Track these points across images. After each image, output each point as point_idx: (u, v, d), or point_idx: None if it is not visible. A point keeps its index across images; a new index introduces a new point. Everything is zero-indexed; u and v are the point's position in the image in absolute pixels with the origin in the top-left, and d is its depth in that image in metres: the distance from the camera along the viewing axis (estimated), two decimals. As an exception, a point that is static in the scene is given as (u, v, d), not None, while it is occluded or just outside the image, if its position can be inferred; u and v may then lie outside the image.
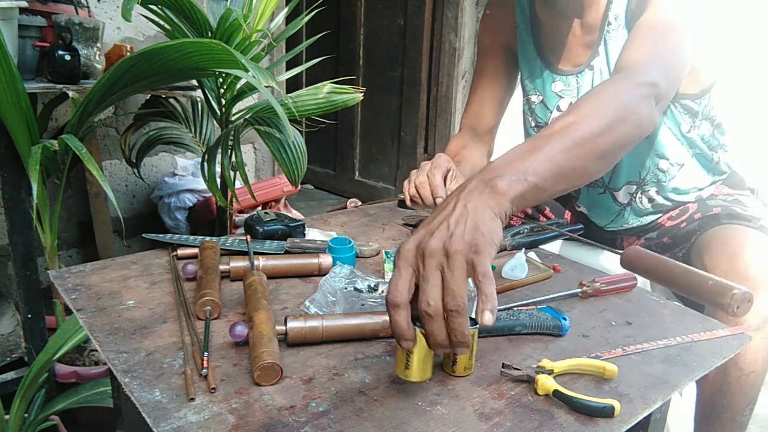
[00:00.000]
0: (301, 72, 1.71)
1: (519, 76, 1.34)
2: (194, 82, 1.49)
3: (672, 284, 0.76)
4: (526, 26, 1.27)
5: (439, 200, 0.99)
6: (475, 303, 0.79)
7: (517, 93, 1.41)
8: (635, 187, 1.23)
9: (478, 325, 0.69)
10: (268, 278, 0.87)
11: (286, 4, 1.53)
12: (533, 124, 1.31)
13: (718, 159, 1.23)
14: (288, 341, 0.72)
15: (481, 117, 1.36)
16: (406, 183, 1.05)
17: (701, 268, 1.02)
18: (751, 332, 0.85)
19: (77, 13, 1.54)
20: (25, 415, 1.20)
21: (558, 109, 1.24)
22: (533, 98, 1.28)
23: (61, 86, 1.33)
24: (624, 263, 0.75)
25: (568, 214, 1.39)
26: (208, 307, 0.77)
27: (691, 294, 0.75)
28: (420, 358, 0.61)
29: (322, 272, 0.92)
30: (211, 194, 1.52)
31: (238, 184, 1.96)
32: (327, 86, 1.47)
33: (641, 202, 1.25)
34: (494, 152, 1.40)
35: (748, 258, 0.97)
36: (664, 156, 1.18)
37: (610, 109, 0.77)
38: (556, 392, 0.65)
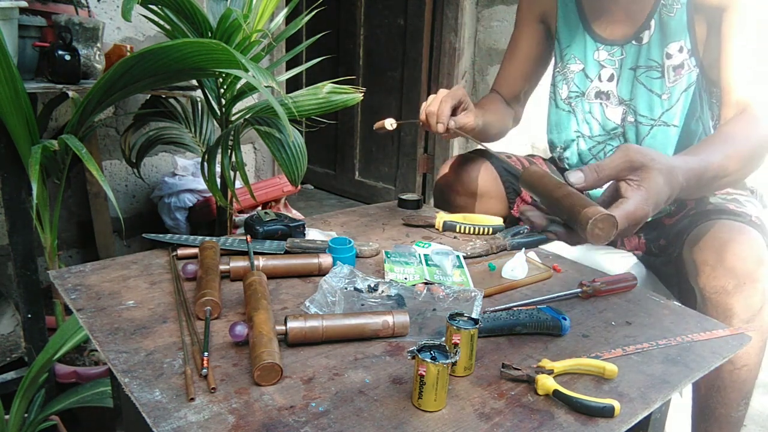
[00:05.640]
0: (301, 72, 1.70)
1: (554, 49, 1.34)
2: (194, 82, 1.48)
3: (551, 206, 0.73)
4: None
5: (440, 126, 1.06)
6: (475, 303, 0.79)
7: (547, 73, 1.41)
8: None
9: (478, 325, 0.69)
10: (268, 278, 0.87)
11: (286, 4, 1.53)
12: (564, 96, 1.30)
13: None
14: (288, 341, 0.72)
15: (507, 84, 1.42)
16: (422, 108, 1.15)
17: (692, 264, 1.02)
18: (750, 332, 0.85)
19: (77, 13, 1.54)
20: (25, 415, 1.19)
21: (599, 78, 1.23)
22: (572, 67, 1.28)
23: (61, 86, 1.33)
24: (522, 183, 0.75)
25: None
26: (208, 307, 0.77)
27: (560, 215, 0.70)
28: (432, 388, 0.61)
29: (322, 272, 0.92)
30: (211, 194, 1.52)
31: (238, 184, 1.96)
32: (327, 86, 1.47)
33: None
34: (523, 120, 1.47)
35: (737, 252, 0.97)
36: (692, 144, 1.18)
37: (749, 155, 0.93)
38: (556, 392, 0.65)
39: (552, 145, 1.39)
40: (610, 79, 1.22)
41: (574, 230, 0.66)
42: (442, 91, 1.13)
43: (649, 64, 1.17)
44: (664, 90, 1.16)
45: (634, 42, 1.18)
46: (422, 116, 1.14)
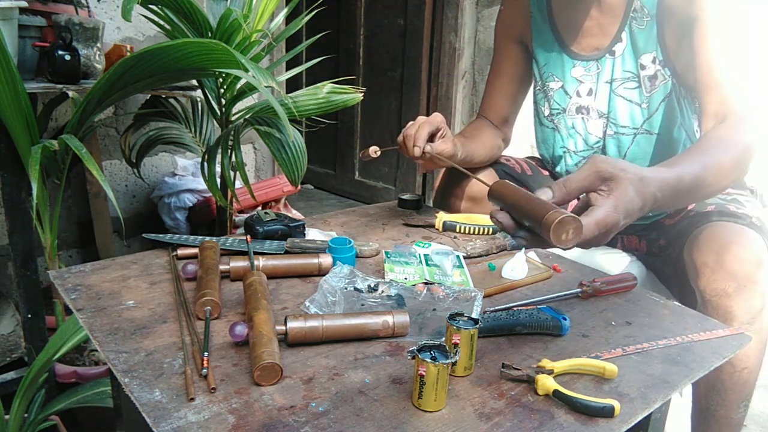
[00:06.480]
0: (301, 72, 1.70)
1: (533, 68, 1.34)
2: (194, 82, 1.48)
3: (516, 211, 0.71)
4: (542, 13, 1.27)
5: (416, 150, 1.08)
6: (475, 303, 0.79)
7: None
8: None
9: (478, 325, 0.69)
10: (268, 278, 0.87)
11: (286, 4, 1.53)
12: (547, 113, 1.31)
13: None
14: (288, 341, 0.72)
15: (494, 108, 1.41)
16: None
17: (691, 266, 1.02)
18: (750, 332, 0.85)
19: (77, 13, 1.54)
20: (25, 415, 1.19)
21: (578, 94, 1.24)
22: (551, 85, 1.28)
23: (61, 86, 1.33)
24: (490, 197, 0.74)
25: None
26: (208, 307, 0.77)
27: (526, 222, 0.68)
28: (432, 388, 0.61)
29: (322, 272, 0.92)
30: (211, 194, 1.52)
31: (238, 184, 1.96)
32: (327, 86, 1.47)
33: None
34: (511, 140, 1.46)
35: (736, 254, 0.97)
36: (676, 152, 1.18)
37: (730, 167, 0.91)
38: (556, 392, 0.65)
39: (544, 159, 1.40)
40: (589, 93, 1.23)
41: (540, 236, 0.65)
42: (421, 118, 1.14)
43: (625, 75, 1.17)
44: (643, 99, 1.16)
45: (608, 55, 1.19)
46: (399, 139, 1.14)
